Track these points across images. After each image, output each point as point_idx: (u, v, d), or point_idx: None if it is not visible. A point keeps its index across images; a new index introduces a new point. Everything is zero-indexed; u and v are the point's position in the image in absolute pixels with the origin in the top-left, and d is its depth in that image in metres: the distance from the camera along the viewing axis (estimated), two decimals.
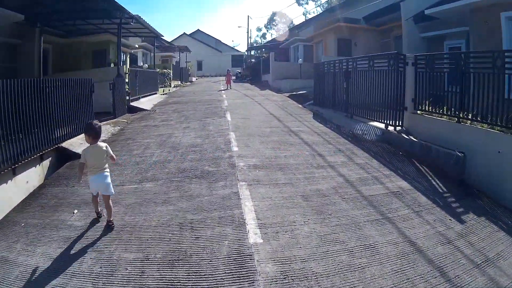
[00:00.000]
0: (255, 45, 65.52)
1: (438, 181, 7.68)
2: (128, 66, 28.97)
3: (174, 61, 48.32)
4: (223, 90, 28.27)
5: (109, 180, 5.49)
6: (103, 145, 5.49)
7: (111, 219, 5.53)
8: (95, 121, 5.65)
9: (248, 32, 57.99)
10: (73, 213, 6.16)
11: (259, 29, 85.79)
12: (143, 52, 35.20)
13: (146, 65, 27.65)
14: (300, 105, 18.90)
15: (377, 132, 11.62)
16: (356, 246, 4.96)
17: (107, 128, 13.46)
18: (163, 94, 26.09)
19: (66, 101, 10.13)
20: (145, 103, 20.34)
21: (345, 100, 14.63)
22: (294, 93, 23.71)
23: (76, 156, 8.91)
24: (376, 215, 5.95)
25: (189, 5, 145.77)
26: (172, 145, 10.35)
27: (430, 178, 7.87)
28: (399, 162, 8.92)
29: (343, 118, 14.28)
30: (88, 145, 5.52)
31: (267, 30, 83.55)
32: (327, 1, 61.11)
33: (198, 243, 4.97)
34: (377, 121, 11.95)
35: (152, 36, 25.75)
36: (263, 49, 53.62)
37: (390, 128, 11.05)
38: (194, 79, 49.36)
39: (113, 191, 5.57)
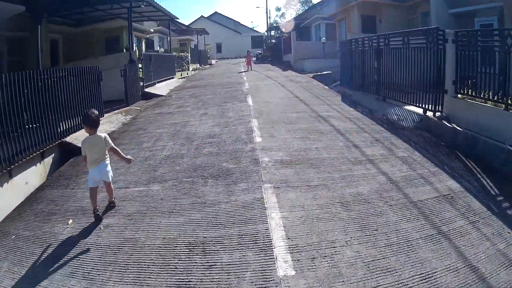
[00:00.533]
0: (274, 25, 63.54)
1: (488, 180, 6.34)
2: (143, 51, 28.04)
3: (192, 45, 47.13)
4: (244, 72, 26.88)
5: (108, 167, 5.26)
6: (102, 135, 5.18)
7: (113, 199, 5.53)
8: (92, 110, 5.31)
9: (267, 12, 56.39)
10: (68, 223, 5.15)
11: (278, 9, 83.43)
12: (160, 36, 34.07)
13: (162, 49, 26.50)
14: (326, 87, 17.43)
15: (415, 118, 10.19)
16: (412, 276, 3.66)
17: (118, 118, 12.42)
18: (181, 78, 24.94)
19: (72, 91, 9.39)
20: (161, 88, 19.25)
21: (376, 81, 13.14)
22: (319, 73, 22.22)
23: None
24: (429, 229, 4.66)
25: None
26: (186, 136, 9.18)
27: (480, 176, 6.53)
28: (443, 155, 7.53)
29: (374, 101, 12.84)
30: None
31: (286, 10, 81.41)
32: None
33: (210, 275, 3.74)
34: (413, 104, 10.52)
35: (167, 19, 24.56)
36: (284, 29, 51.80)
37: (429, 113, 9.67)
38: (213, 61, 48.07)
39: (110, 178, 5.34)
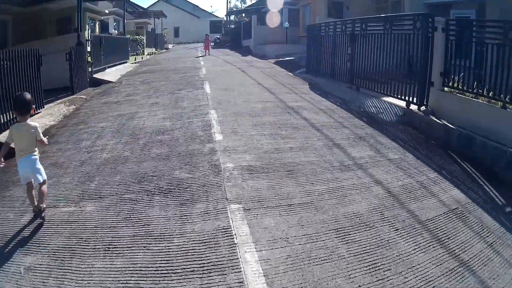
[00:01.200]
0: (235, 9, 61.47)
1: (492, 188, 5.40)
2: (97, 33, 25.66)
3: (149, 28, 44.55)
4: (201, 56, 24.96)
5: (38, 165, 4.32)
6: (32, 124, 4.30)
7: (43, 207, 4.13)
8: (25, 93, 4.56)
9: None
10: None
11: None
12: (115, 18, 31.42)
13: (116, 31, 24.18)
14: (290, 74, 16.01)
15: (397, 112, 9.02)
16: None
17: (60, 109, 10.47)
18: (135, 63, 22.81)
19: (4, 79, 7.62)
20: (112, 74, 17.22)
21: (350, 69, 11.90)
22: (281, 59, 20.78)
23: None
24: (449, 260, 3.53)
25: None
26: (132, 131, 7.48)
27: (482, 183, 5.55)
28: (437, 156, 6.43)
29: (347, 91, 11.59)
30: None
31: None
32: None
33: None
34: (393, 96, 9.41)
35: None
36: (243, 14, 49.82)
37: (413, 107, 8.57)
38: (170, 46, 45.60)
39: (42, 177, 4.29)
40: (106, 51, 17.51)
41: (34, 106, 4.47)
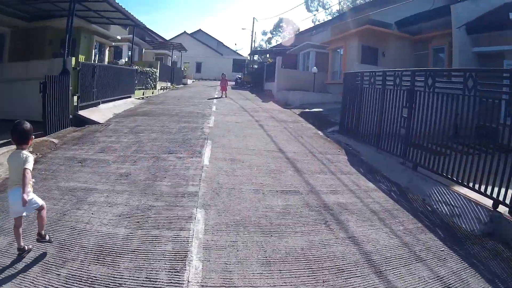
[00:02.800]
0: (259, 49, 59.24)
1: None
2: (106, 61, 22.94)
3: (170, 60, 42.27)
4: (216, 98, 21.79)
5: (31, 196, 3.82)
6: (24, 153, 3.85)
7: (43, 234, 3.96)
8: (25, 122, 4.00)
9: (252, 35, 51.62)
10: None
11: (264, 33, 79.12)
12: (128, 46, 28.98)
13: (123, 60, 21.39)
14: (320, 133, 12.59)
15: (479, 216, 5.66)
16: None
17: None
18: (140, 99, 19.81)
19: None
20: (104, 111, 14.18)
21: (404, 137, 8.51)
22: (307, 110, 17.52)
23: None
24: None
25: (192, 5, 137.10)
26: (59, 246, 4.04)
27: None
28: None
29: (400, 169, 8.22)
30: None
31: (273, 36, 77.48)
32: (339, 10, 55.16)
33: None
34: (468, 187, 6.19)
35: (131, 25, 19.59)
36: (268, 55, 47.34)
37: (503, 208, 5.41)
38: (190, 81, 43.06)
39: (39, 202, 3.94)
40: (101, 82, 14.65)
41: (33, 136, 4.17)
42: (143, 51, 35.36)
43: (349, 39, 21.91)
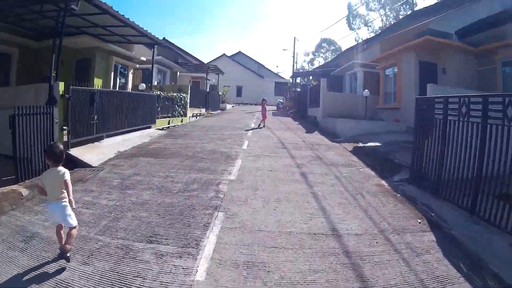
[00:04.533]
0: (301, 71, 55.84)
1: None
2: (129, 85, 20.29)
3: (207, 84, 39.70)
4: (251, 129, 18.36)
5: (68, 211, 4.32)
6: (61, 170, 4.37)
7: (67, 248, 4.24)
8: (58, 144, 4.60)
9: (294, 56, 48.27)
10: None
11: (306, 54, 75.89)
12: (158, 68, 26.42)
13: (143, 85, 18.53)
14: (384, 183, 8.67)
15: None
16: None
17: None
18: (161, 129, 16.77)
19: None
20: (105, 149, 11.17)
21: None
22: (360, 144, 13.70)
23: None
24: None
25: (231, 26, 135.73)
26: None
27: None
28: None
29: None
30: None
31: (315, 57, 74.14)
32: (382, 27, 50.96)
33: None
34: None
35: (149, 43, 16.79)
36: (311, 77, 43.81)
37: None
38: (229, 106, 40.16)
39: (73, 223, 4.36)
40: (105, 112, 11.87)
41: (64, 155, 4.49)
42: (178, 74, 32.85)
43: (403, 54, 17.98)
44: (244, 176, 8.38)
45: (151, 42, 16.09)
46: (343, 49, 45.65)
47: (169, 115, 19.02)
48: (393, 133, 15.68)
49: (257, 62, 57.76)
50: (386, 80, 20.80)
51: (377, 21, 59.09)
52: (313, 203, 6.79)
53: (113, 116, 12.40)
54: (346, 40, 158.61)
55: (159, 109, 17.27)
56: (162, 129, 17.06)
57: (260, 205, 6.53)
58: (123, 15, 11.77)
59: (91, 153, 10.27)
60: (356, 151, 12.61)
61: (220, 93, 41.05)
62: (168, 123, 18.55)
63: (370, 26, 59.09)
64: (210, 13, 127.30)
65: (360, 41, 47.19)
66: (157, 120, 16.96)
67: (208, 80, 39.57)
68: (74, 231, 4.34)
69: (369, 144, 13.67)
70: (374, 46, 25.62)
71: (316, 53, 74.65)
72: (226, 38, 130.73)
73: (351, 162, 10.93)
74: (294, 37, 57.35)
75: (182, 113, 20.99)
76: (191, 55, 37.28)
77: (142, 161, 9.83)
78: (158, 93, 17.36)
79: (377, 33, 50.10)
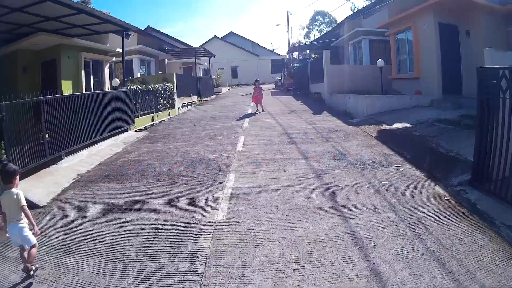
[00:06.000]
0: (297, 45, 52.32)
1: None
2: (106, 81, 17.48)
3: (199, 69, 36.65)
4: (249, 115, 15.49)
5: (25, 232, 4.16)
6: (15, 192, 4.22)
7: (32, 267, 4.09)
8: (9, 164, 4.60)
9: (288, 31, 44.67)
10: None
11: (302, 28, 71.89)
12: (142, 59, 23.39)
13: (117, 80, 15.64)
14: (440, 190, 5.80)
15: None
16: None
17: None
18: (142, 130, 13.93)
19: None
20: (61, 174, 8.47)
21: None
22: (386, 127, 10.81)
23: None
24: None
25: (221, 9, 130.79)
26: None
27: None
28: None
29: None
30: None
31: (310, 30, 70.25)
32: None
33: None
34: None
35: (117, 31, 13.86)
36: (308, 50, 40.38)
37: None
38: (224, 90, 37.08)
39: (32, 241, 4.17)
40: (61, 125, 9.05)
41: (18, 175, 4.41)
42: (166, 62, 29.76)
43: (420, 16, 14.79)
44: (239, 211, 5.45)
45: (118, 29, 13.16)
46: (338, 21, 42.18)
47: (152, 110, 16.12)
48: (419, 109, 12.74)
49: (251, 40, 54.14)
50: (399, 47, 17.61)
51: None
52: (359, 262, 3.91)
53: (73, 127, 9.56)
54: (341, 10, 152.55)
55: (137, 106, 14.36)
56: (144, 129, 14.20)
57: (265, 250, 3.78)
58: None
59: (41, 184, 7.47)
60: (384, 138, 9.72)
61: (213, 77, 37.98)
62: (152, 120, 15.68)
63: None
64: None
65: (355, 10, 43.70)
66: (136, 120, 14.10)
67: (200, 64, 36.45)
68: (33, 251, 4.17)
69: (395, 125, 10.77)
70: (380, 12, 22.39)
71: (310, 27, 70.73)
72: (219, 21, 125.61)
73: (384, 156, 8.04)
74: (287, 11, 53.48)
75: (168, 106, 18.06)
76: (179, 40, 34.00)
77: (102, 189, 7.00)
78: (134, 87, 14.40)
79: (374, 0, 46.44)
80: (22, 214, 4.14)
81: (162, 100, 17.12)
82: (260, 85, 17.09)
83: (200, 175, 7.24)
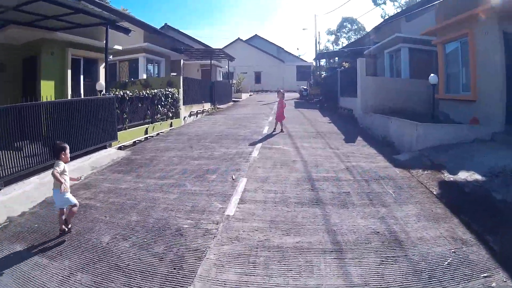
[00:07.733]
0: (325, 51, 48.81)
1: None
2: (102, 80, 14.62)
3: (220, 72, 33.72)
4: (264, 138, 12.25)
5: (66, 195, 4.79)
6: (56, 162, 4.87)
7: (64, 227, 4.87)
8: (58, 142, 5.18)
9: (316, 36, 41.23)
10: None
11: (330, 33, 67.85)
12: (148, 58, 20.49)
13: (102, 83, 12.66)
14: None
15: None
16: None
17: None
18: (127, 147, 10.96)
19: None
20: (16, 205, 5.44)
21: None
22: (449, 176, 7.35)
23: None
24: None
25: (246, 12, 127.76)
26: None
27: None
28: None
29: None
30: None
31: (338, 37, 66.34)
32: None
33: None
34: None
35: (101, 23, 10.99)
36: (337, 58, 36.86)
37: None
38: (245, 96, 33.95)
39: (73, 201, 4.89)
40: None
41: (64, 151, 4.91)
42: (182, 63, 26.86)
43: (479, 21, 11.21)
44: None
45: (100, 21, 10.28)
46: (368, 29, 38.47)
47: (147, 121, 13.11)
48: (481, 146, 9.18)
49: (276, 45, 50.95)
50: (449, 59, 13.99)
51: None
52: None
53: (18, 149, 6.66)
54: (369, 19, 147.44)
55: (125, 116, 11.39)
56: (133, 144, 11.21)
57: None
58: None
59: None
60: (450, 199, 6.28)
61: (234, 81, 34.94)
62: (146, 133, 12.68)
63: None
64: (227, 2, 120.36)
65: (386, 17, 39.88)
66: (123, 133, 11.14)
67: (220, 67, 33.51)
68: (74, 209, 4.90)
69: (461, 174, 7.34)
70: (422, 16, 18.78)
71: (338, 33, 66.89)
72: (244, 25, 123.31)
73: (462, 247, 4.56)
74: (315, 15, 49.93)
75: (171, 115, 15.06)
76: (198, 41, 31.13)
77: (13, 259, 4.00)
78: (122, 93, 11.42)
79: (403, 7, 42.59)
80: (64, 179, 4.68)
81: (161, 109, 14.08)
82: (283, 98, 13.76)
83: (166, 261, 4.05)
